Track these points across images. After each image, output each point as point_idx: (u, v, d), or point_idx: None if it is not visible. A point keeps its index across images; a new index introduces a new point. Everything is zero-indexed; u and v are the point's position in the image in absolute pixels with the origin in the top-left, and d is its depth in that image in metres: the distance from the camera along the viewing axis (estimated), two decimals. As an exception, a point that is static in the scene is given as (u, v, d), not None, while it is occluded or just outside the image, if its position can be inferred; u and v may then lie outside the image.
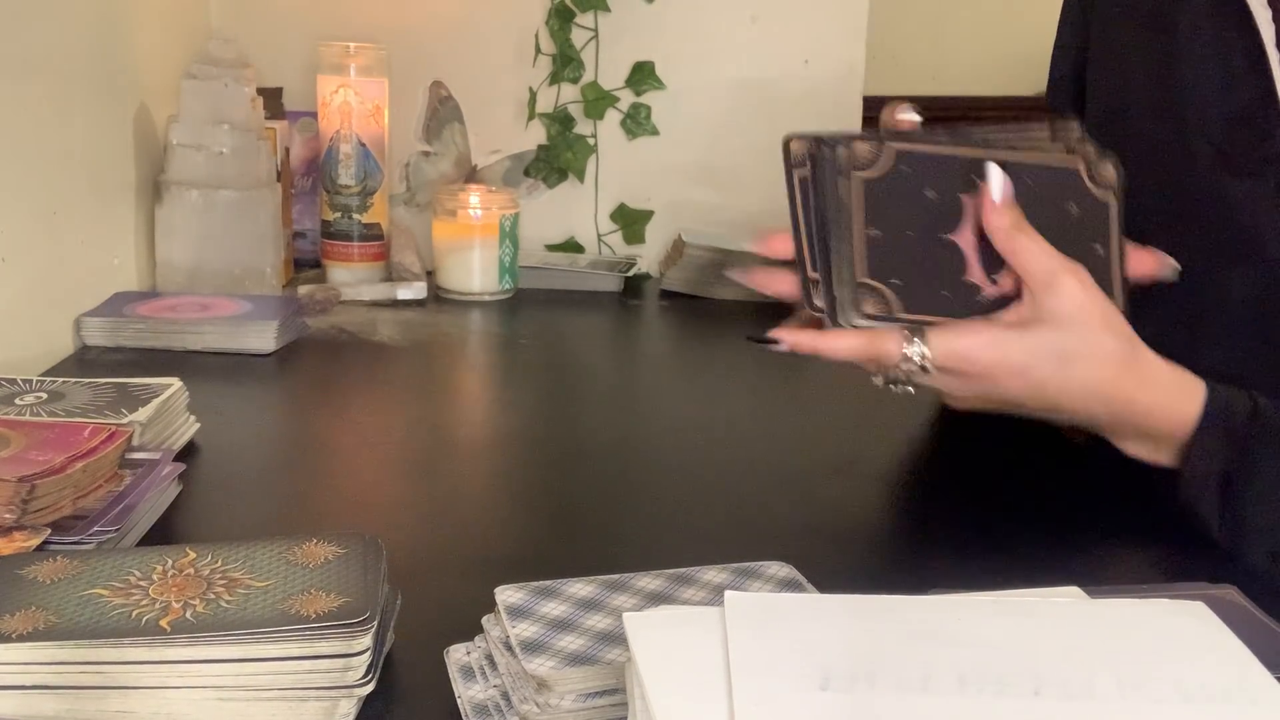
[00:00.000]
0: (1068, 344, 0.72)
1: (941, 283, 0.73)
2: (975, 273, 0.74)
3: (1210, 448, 0.75)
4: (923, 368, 0.72)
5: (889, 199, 0.73)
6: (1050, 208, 0.75)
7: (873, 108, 1.43)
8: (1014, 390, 0.73)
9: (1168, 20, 0.86)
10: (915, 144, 0.74)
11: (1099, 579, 0.58)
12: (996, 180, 0.72)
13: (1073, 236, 0.75)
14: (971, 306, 0.74)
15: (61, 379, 0.91)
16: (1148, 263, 0.77)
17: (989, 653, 0.47)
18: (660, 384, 1.26)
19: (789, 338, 0.74)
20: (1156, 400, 0.75)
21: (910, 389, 0.74)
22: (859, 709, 0.43)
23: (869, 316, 0.72)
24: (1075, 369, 0.72)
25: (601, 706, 0.54)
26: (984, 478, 0.92)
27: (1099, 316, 0.72)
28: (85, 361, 1.12)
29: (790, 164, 0.74)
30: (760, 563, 0.65)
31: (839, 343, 0.73)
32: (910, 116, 0.74)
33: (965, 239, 0.74)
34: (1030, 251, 0.72)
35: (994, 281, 0.74)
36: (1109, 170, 0.76)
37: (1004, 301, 0.74)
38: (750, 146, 1.64)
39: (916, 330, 0.71)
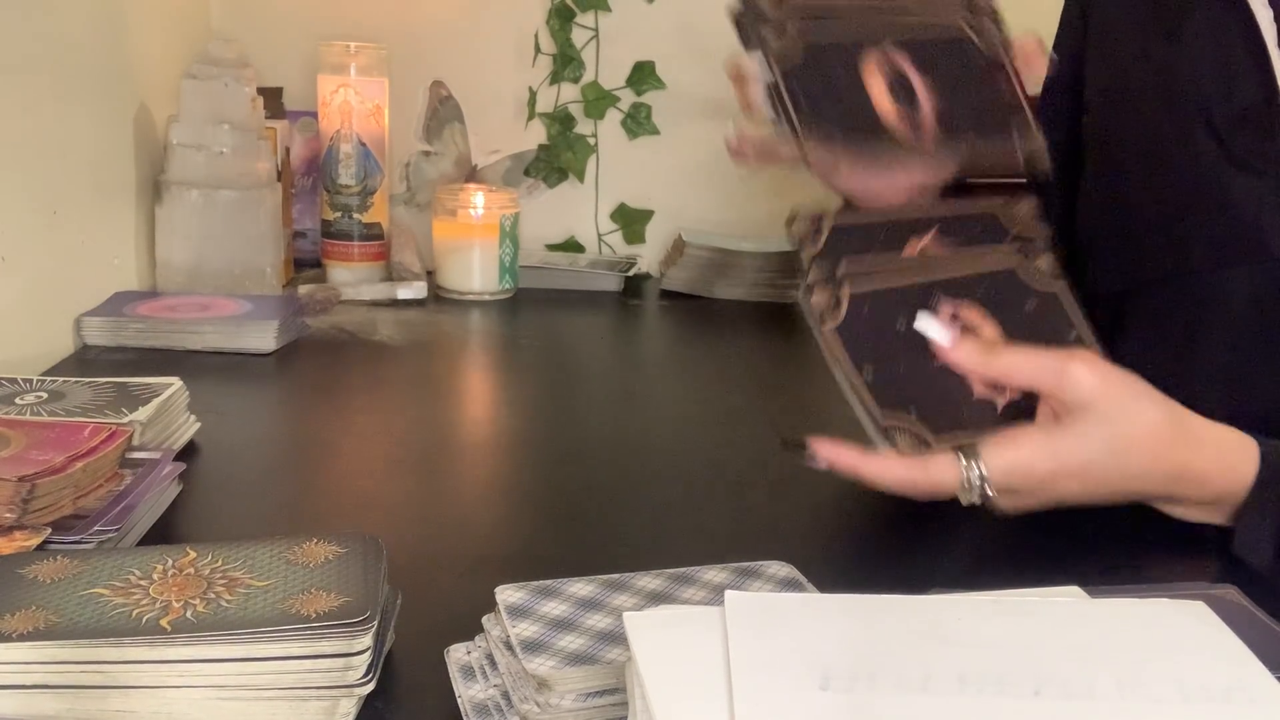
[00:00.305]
0: (1114, 429, 0.70)
1: (957, 404, 0.73)
2: (981, 388, 0.73)
3: (1266, 506, 0.73)
4: (983, 490, 0.70)
5: (864, 339, 0.73)
6: (1009, 310, 0.75)
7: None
8: (1075, 492, 0.72)
9: (1169, 20, 0.86)
10: (866, 284, 0.74)
11: (1099, 579, 0.58)
12: (932, 330, 0.72)
13: (1041, 330, 0.75)
14: (994, 419, 0.73)
15: (61, 379, 0.91)
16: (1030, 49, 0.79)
17: (989, 653, 0.47)
18: (660, 384, 1.26)
19: (829, 454, 0.72)
20: (1210, 464, 0.73)
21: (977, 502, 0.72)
22: (859, 709, 0.43)
23: (906, 450, 0.71)
24: (1131, 453, 0.71)
25: (601, 706, 0.54)
26: (984, 478, 0.92)
27: (1126, 390, 0.71)
28: (85, 361, 1.12)
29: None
30: (760, 563, 0.65)
31: (888, 473, 0.71)
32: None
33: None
34: (1018, 366, 0.71)
35: (1003, 392, 0.73)
36: (1043, 261, 0.77)
37: (1023, 405, 0.73)
38: (750, 146, 1.64)
39: (969, 452, 0.70)
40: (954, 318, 0.73)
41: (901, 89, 0.76)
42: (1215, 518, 0.76)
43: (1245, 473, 0.73)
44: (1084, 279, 0.85)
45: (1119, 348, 0.82)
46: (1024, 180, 0.80)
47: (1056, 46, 1.00)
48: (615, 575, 0.63)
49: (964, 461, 0.69)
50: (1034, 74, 0.80)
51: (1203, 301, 0.84)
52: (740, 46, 0.78)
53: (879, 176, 0.83)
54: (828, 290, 0.73)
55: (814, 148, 0.74)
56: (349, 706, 0.55)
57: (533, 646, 0.55)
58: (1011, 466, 0.70)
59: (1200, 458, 0.73)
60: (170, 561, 0.60)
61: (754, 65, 0.77)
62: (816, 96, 0.75)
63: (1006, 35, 0.81)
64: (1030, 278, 0.77)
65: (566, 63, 1.58)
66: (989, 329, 0.74)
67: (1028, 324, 0.75)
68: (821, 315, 0.73)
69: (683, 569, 0.64)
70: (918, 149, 0.76)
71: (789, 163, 0.83)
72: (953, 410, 0.73)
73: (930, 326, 0.72)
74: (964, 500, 0.71)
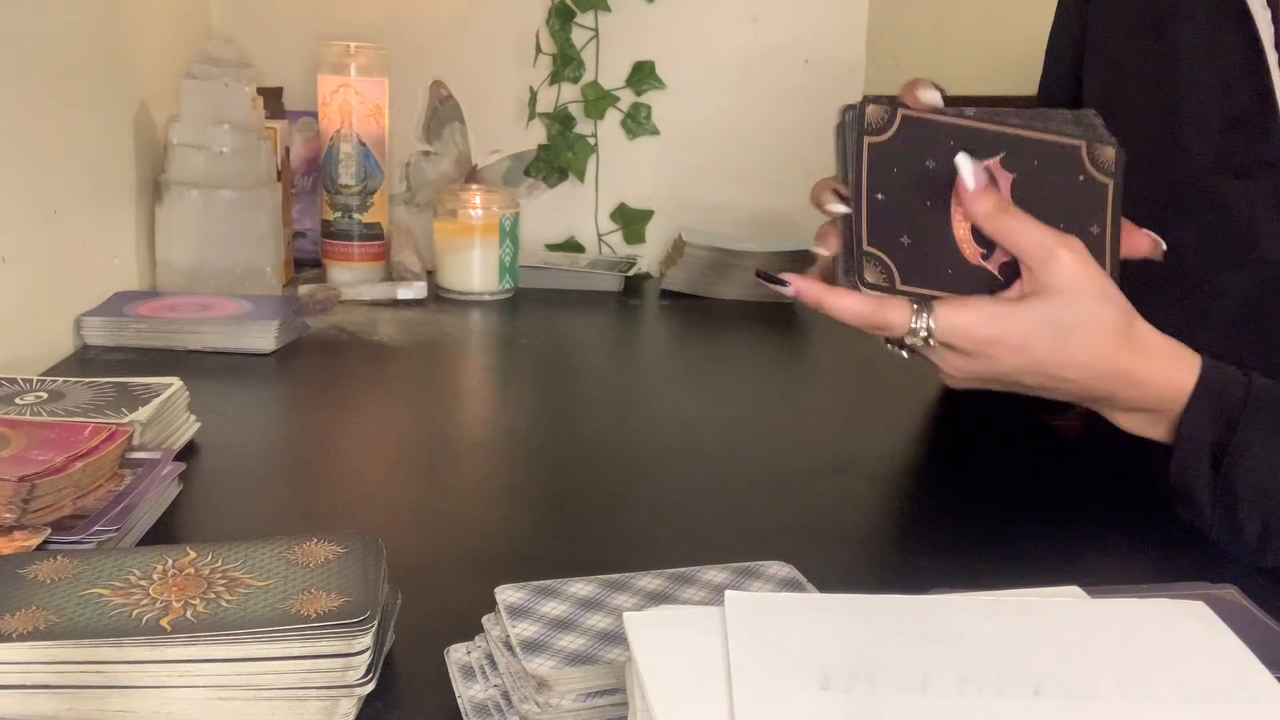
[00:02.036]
0: (1065, 315, 0.72)
1: (941, 255, 0.74)
2: (972, 247, 0.74)
3: (1204, 418, 0.75)
4: (926, 340, 0.72)
5: (894, 166, 0.73)
6: (1049, 185, 0.75)
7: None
8: (1013, 366, 0.73)
9: (1166, 21, 0.86)
10: (925, 113, 0.74)
11: (1099, 579, 0.58)
12: (966, 169, 0.73)
13: (1070, 214, 0.75)
14: (972, 280, 0.74)
15: (62, 379, 0.91)
16: (1141, 243, 0.78)
17: (989, 653, 0.47)
18: (660, 384, 1.26)
19: (798, 283, 0.74)
20: (1153, 370, 0.75)
21: (905, 355, 0.75)
22: (859, 709, 0.43)
23: (870, 285, 0.73)
24: (1073, 341, 0.72)
25: (601, 706, 0.54)
26: (984, 478, 0.92)
27: (1095, 287, 0.73)
28: (85, 361, 1.12)
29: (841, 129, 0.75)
30: (760, 563, 0.65)
31: (845, 302, 0.73)
32: (930, 95, 0.74)
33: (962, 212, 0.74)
34: (1019, 231, 0.72)
35: (991, 256, 0.74)
36: (1109, 153, 0.76)
37: (1004, 273, 0.74)
38: (750, 146, 1.65)
39: (925, 305, 0.72)
40: (987, 170, 0.73)
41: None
42: (1155, 431, 0.77)
43: (1183, 384, 0.75)
44: None
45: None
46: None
47: (1053, 40, 1.00)
48: (615, 575, 0.63)
49: (915, 309, 0.72)
50: (1133, 251, 0.78)
51: (1198, 303, 0.84)
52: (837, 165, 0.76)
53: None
54: (884, 107, 0.74)
55: (870, 289, 0.73)
56: (349, 706, 0.55)
57: (533, 646, 0.55)
58: (956, 323, 0.72)
59: (1141, 364, 0.74)
60: (170, 561, 0.60)
61: (837, 203, 0.74)
62: (892, 214, 0.74)
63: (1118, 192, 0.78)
64: (1086, 163, 0.76)
65: (566, 63, 1.58)
66: (1006, 192, 0.74)
67: (1059, 205, 0.75)
68: (869, 126, 0.73)
69: (683, 569, 0.64)
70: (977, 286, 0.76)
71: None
72: (933, 263, 0.74)
73: (965, 164, 0.73)
74: (907, 341, 0.73)
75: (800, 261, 1.49)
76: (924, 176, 0.74)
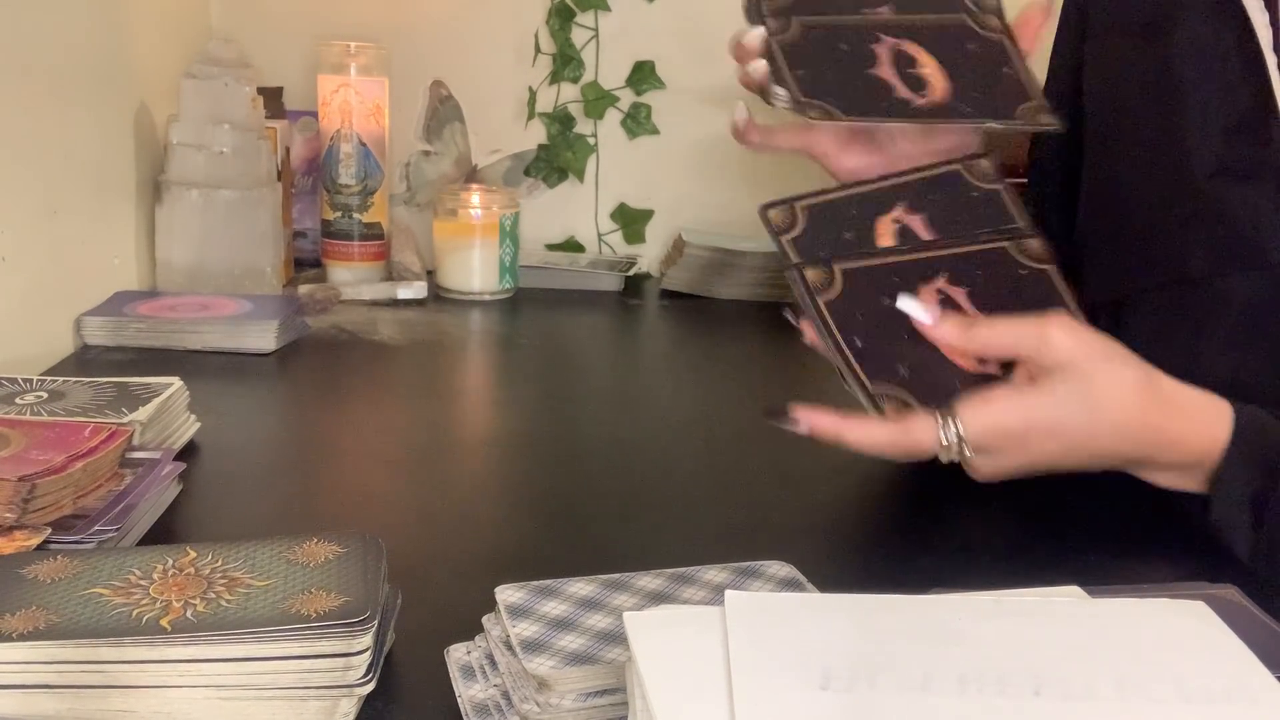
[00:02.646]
0: (1088, 386, 0.71)
1: (944, 372, 0.74)
2: (966, 362, 0.74)
3: (1241, 470, 0.74)
4: (961, 449, 0.71)
5: (856, 313, 0.75)
6: (1000, 288, 0.77)
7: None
8: (1048, 451, 0.72)
9: (1165, 26, 0.85)
10: (855, 260, 0.76)
11: (1099, 579, 0.58)
12: (916, 311, 0.73)
13: (1030, 307, 0.76)
14: (982, 384, 0.74)
15: (62, 378, 0.91)
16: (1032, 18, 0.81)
17: (989, 653, 0.47)
18: (660, 384, 1.26)
19: (810, 419, 0.73)
20: (1185, 427, 0.74)
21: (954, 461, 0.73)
22: (859, 709, 0.43)
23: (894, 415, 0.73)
24: (1104, 411, 0.71)
25: (601, 706, 0.54)
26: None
27: (1101, 350, 0.72)
28: (85, 361, 1.12)
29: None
30: (760, 563, 0.65)
31: (868, 435, 0.72)
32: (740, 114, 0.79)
33: None
34: (997, 335, 0.72)
35: (985, 362, 0.74)
36: (1034, 244, 0.79)
37: (1007, 373, 0.74)
38: (750, 146, 1.64)
39: (947, 413, 0.71)
40: (941, 296, 0.74)
41: (906, 67, 0.77)
42: (1191, 484, 0.76)
43: (1219, 436, 0.74)
44: (1081, 285, 0.85)
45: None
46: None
47: (1055, 48, 1.00)
48: (615, 575, 0.63)
49: (941, 421, 0.71)
50: (1033, 34, 0.83)
51: (1201, 309, 0.84)
52: (745, 23, 0.81)
53: (881, 150, 0.84)
54: (821, 268, 0.75)
55: (817, 115, 0.75)
56: (349, 706, 0.55)
57: (533, 646, 0.55)
58: (986, 424, 0.71)
59: (1174, 420, 0.73)
60: (170, 561, 0.60)
61: (756, 38, 0.78)
62: (820, 70, 0.78)
63: (1009, 28, 0.83)
64: (1021, 258, 0.78)
65: (566, 62, 1.58)
66: (973, 307, 0.75)
67: (1017, 301, 0.75)
68: (814, 290, 0.74)
69: (683, 569, 0.64)
70: (924, 114, 0.77)
71: (790, 148, 0.84)
72: (941, 380, 0.74)
73: (911, 306, 0.73)
74: (944, 459, 0.72)
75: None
76: (887, 313, 0.75)
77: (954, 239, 0.78)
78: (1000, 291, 0.76)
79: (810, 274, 0.75)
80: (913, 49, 0.80)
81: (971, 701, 0.44)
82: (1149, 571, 0.77)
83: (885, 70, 0.78)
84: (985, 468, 0.73)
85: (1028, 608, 0.51)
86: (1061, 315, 0.73)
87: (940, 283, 0.75)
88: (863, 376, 0.73)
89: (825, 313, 0.74)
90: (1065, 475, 0.75)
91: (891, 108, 0.78)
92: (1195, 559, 0.76)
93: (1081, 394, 0.71)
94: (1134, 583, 0.63)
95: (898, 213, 0.77)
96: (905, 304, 0.73)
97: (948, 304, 0.75)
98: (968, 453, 0.71)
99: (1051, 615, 0.51)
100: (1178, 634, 0.49)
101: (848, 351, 0.73)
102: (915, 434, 0.71)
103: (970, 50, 0.81)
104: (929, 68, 0.79)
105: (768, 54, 0.79)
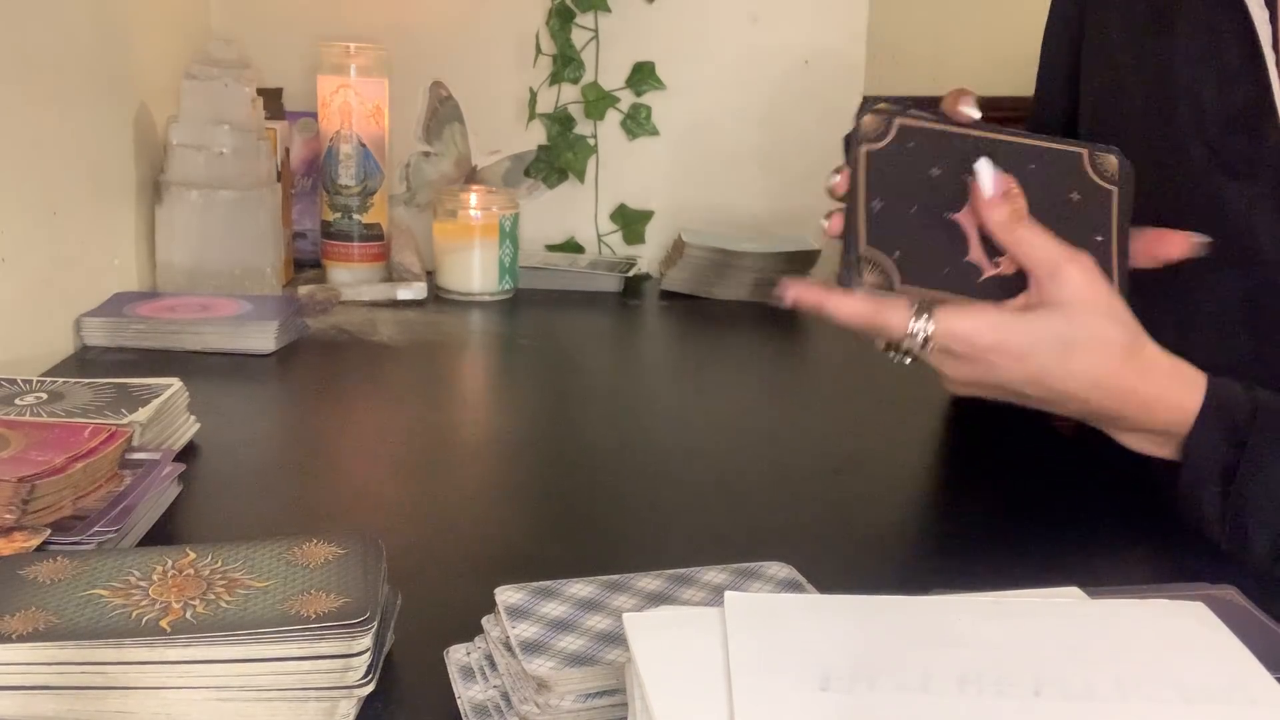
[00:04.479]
0: (1070, 331, 0.72)
1: (943, 260, 0.74)
2: (977, 253, 0.74)
3: (1212, 440, 0.75)
4: (924, 344, 0.72)
5: (893, 172, 0.73)
6: (1052, 193, 0.75)
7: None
8: (1014, 376, 0.73)
9: (1164, 20, 0.86)
10: (923, 121, 0.74)
11: (1099, 579, 0.58)
12: (986, 175, 0.72)
13: (1074, 224, 0.75)
14: (972, 286, 0.74)
15: (61, 379, 0.91)
16: (1175, 244, 0.76)
17: (989, 653, 0.47)
18: (660, 384, 1.26)
19: (795, 290, 0.74)
20: (1158, 392, 0.74)
21: (907, 360, 0.74)
22: (859, 709, 0.43)
23: (869, 286, 0.73)
24: (1077, 357, 0.72)
25: (601, 707, 0.54)
26: (984, 477, 0.92)
27: (1103, 304, 0.72)
28: (85, 361, 1.12)
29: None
30: (760, 563, 0.65)
31: (845, 305, 0.73)
32: (970, 111, 0.74)
33: (968, 219, 0.74)
34: (1031, 242, 0.72)
35: (996, 264, 0.74)
36: (1111, 161, 0.76)
37: (1004, 283, 0.74)
38: (750, 147, 1.65)
39: (925, 306, 0.72)
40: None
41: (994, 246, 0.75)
42: (1162, 450, 0.77)
43: (1189, 405, 0.75)
44: None
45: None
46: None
47: (1047, 43, 1.00)
48: (615, 576, 0.63)
49: (915, 311, 0.71)
50: (1167, 254, 0.77)
51: (1195, 304, 0.84)
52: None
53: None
54: (882, 117, 0.74)
55: (874, 281, 0.73)
56: (348, 707, 0.55)
57: (532, 647, 0.55)
58: (958, 329, 0.71)
59: (1148, 383, 0.74)
60: (170, 562, 0.60)
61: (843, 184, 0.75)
62: (894, 215, 0.74)
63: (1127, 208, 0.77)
64: (1089, 170, 0.76)
65: (566, 63, 1.58)
66: (1020, 200, 0.74)
67: (1063, 214, 0.75)
68: (866, 135, 0.73)
69: (683, 569, 0.64)
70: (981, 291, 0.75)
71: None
72: (934, 268, 0.73)
73: (985, 170, 0.72)
74: (903, 349, 0.72)
75: (800, 262, 1.49)
76: (926, 183, 0.74)
77: (1036, 139, 0.76)
78: (1053, 197, 0.75)
79: (868, 119, 0.73)
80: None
81: (971, 702, 0.44)
82: (1149, 572, 0.77)
83: (969, 219, 0.73)
84: (950, 371, 0.74)
85: (1028, 608, 0.51)
86: (1088, 258, 0.72)
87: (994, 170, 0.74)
88: (861, 236, 0.73)
89: (861, 161, 0.73)
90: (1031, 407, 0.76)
91: (955, 279, 0.74)
92: (1195, 559, 0.76)
93: (1060, 334, 0.71)
94: (1134, 583, 0.63)
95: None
96: (982, 166, 0.72)
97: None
98: (929, 347, 0.72)
99: (1051, 616, 0.51)
100: (1177, 634, 0.49)
101: (860, 208, 0.73)
102: (887, 314, 0.71)
103: (1071, 200, 0.76)
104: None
105: (849, 204, 0.74)
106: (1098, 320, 0.72)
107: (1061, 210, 0.75)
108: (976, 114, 0.74)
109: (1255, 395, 0.75)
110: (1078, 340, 0.72)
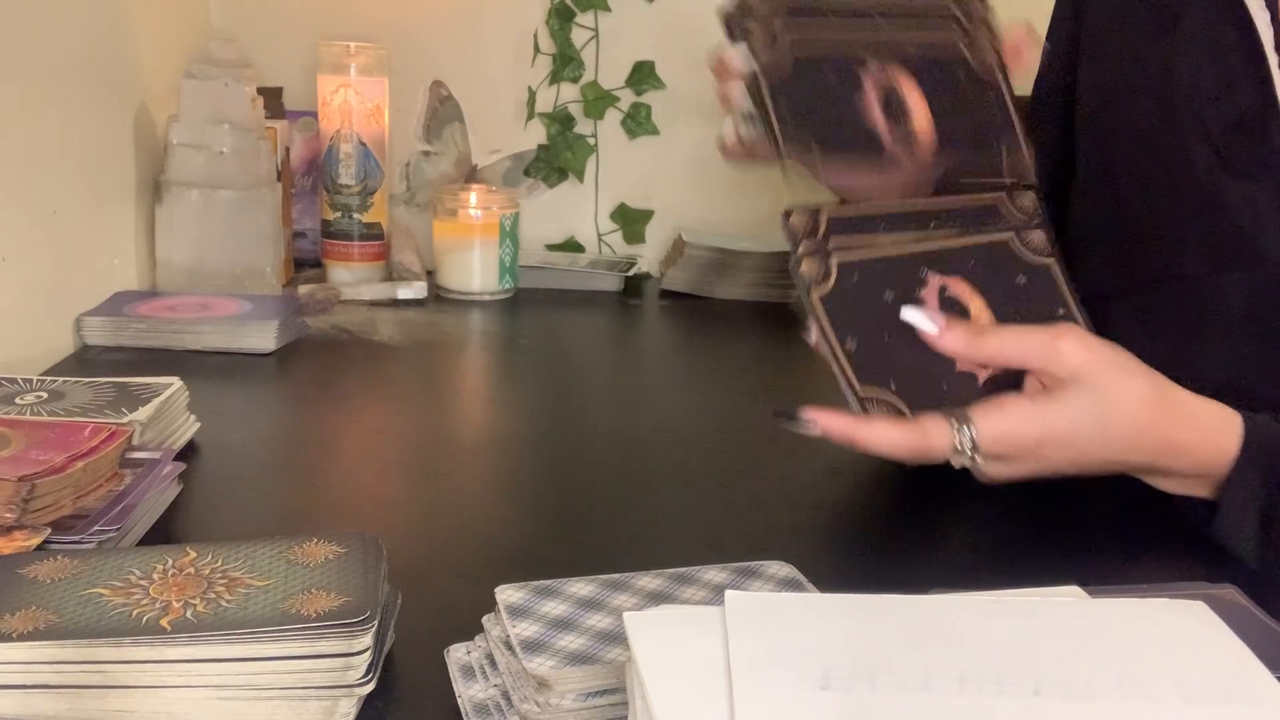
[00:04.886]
0: (1100, 401, 0.71)
1: (938, 377, 0.74)
2: (966, 362, 0.74)
3: (1251, 481, 0.74)
4: (973, 456, 0.71)
5: (851, 309, 0.73)
6: (1003, 282, 0.76)
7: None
8: (1060, 460, 0.73)
9: (1166, 22, 0.85)
10: (856, 255, 0.74)
11: (1099, 579, 0.58)
12: (919, 320, 0.72)
13: (1035, 306, 0.75)
14: (976, 392, 0.74)
15: (61, 379, 0.91)
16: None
17: (989, 653, 0.47)
18: (660, 384, 1.26)
19: (824, 421, 0.73)
20: (1195, 436, 0.74)
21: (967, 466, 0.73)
22: (859, 709, 0.43)
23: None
24: (1116, 424, 0.72)
25: (601, 706, 0.54)
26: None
27: (1113, 363, 0.72)
28: (85, 361, 1.12)
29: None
30: (760, 562, 0.65)
31: (884, 436, 0.72)
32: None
33: None
34: (1005, 345, 0.72)
35: (986, 366, 0.74)
36: (1037, 236, 0.77)
37: (1003, 383, 0.74)
38: (750, 146, 1.64)
39: (960, 417, 0.71)
40: (943, 291, 0.73)
41: (894, 105, 0.75)
42: (1199, 490, 0.76)
43: (1228, 446, 0.74)
44: (1073, 280, 0.85)
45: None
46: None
47: (1045, 48, 1.00)
48: (615, 575, 0.63)
49: (955, 425, 0.70)
50: (1024, 66, 0.80)
51: (1198, 305, 0.84)
52: (727, 41, 0.78)
53: (866, 179, 0.83)
54: (818, 259, 0.74)
55: (791, 155, 0.74)
56: (349, 706, 0.55)
57: (533, 646, 0.55)
58: (1001, 432, 0.71)
59: (1184, 430, 0.74)
60: (170, 561, 0.60)
61: (738, 59, 0.76)
62: (802, 107, 0.75)
63: (999, 40, 0.81)
64: (1022, 251, 0.77)
65: (566, 63, 1.58)
66: (978, 303, 0.74)
67: (1018, 298, 0.75)
68: (810, 283, 0.73)
69: (683, 569, 0.64)
70: (907, 163, 0.76)
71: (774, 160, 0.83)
72: (933, 384, 0.73)
73: (916, 317, 0.73)
74: (955, 464, 0.72)
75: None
76: (885, 310, 0.74)
77: (963, 237, 0.77)
78: (1002, 285, 0.76)
79: (806, 267, 0.74)
80: (903, 83, 0.76)
81: (972, 701, 0.44)
82: (1149, 571, 0.77)
83: (874, 114, 0.75)
84: (995, 473, 0.73)
85: (1028, 608, 0.51)
86: (1071, 326, 0.73)
87: (942, 278, 0.75)
88: (852, 380, 0.72)
89: (818, 308, 0.73)
90: (1068, 478, 0.75)
91: (956, 393, 0.75)
92: (1195, 559, 0.76)
93: (1094, 406, 0.71)
94: (1134, 583, 0.63)
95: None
96: (910, 315, 0.72)
97: (949, 301, 0.75)
98: (980, 459, 0.71)
99: (1051, 615, 0.51)
100: (1178, 634, 0.49)
101: (839, 352, 0.73)
102: (930, 437, 0.71)
103: (960, 82, 0.78)
104: (917, 110, 0.76)
105: (750, 83, 0.75)
106: (1117, 378, 0.72)
107: (1018, 297, 0.76)
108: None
109: None
110: (1109, 407, 0.71)
